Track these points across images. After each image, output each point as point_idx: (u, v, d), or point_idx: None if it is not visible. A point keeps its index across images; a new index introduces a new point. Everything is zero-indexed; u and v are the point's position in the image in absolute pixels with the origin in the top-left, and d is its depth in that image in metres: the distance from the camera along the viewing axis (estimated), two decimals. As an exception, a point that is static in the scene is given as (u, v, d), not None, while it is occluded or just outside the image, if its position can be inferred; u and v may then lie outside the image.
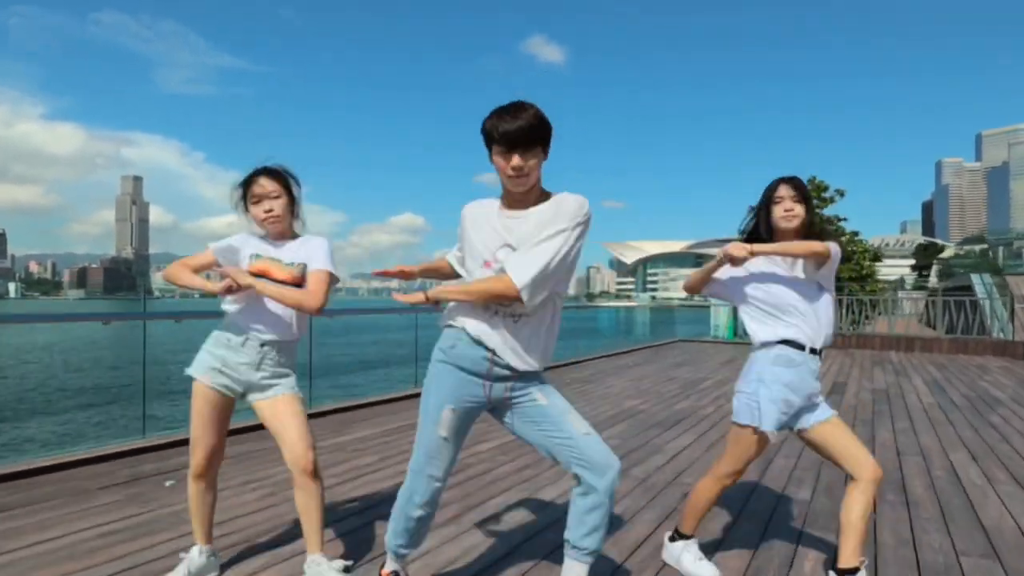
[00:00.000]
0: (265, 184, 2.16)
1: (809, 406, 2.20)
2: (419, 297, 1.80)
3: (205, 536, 2.26)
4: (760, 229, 2.30)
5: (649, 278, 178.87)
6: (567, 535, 1.86)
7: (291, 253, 2.20)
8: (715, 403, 6.08)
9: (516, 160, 1.73)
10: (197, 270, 2.23)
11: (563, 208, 1.78)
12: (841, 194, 18.93)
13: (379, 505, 3.01)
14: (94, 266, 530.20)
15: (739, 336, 15.75)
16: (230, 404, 2.23)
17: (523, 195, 1.82)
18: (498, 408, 1.91)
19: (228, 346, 2.17)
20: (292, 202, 2.23)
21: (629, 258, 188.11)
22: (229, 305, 2.19)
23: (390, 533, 2.01)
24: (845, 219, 19.63)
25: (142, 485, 3.27)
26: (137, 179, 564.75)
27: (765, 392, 2.15)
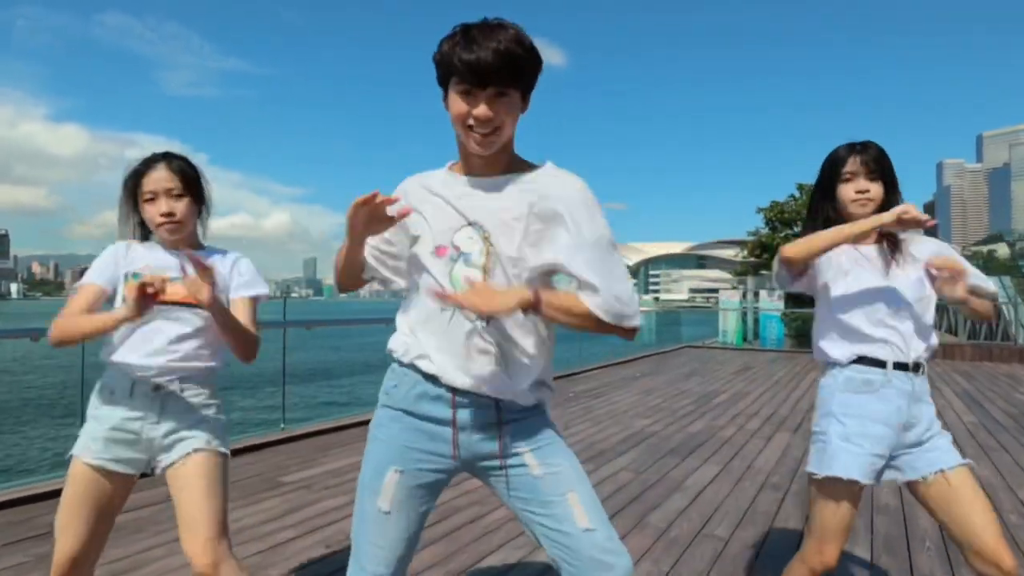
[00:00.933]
0: (163, 178, 1.59)
1: (915, 443, 1.62)
2: (525, 297, 1.17)
3: None
4: (818, 216, 1.73)
5: (651, 280, 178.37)
6: None
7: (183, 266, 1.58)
8: (734, 423, 5.50)
9: (482, 108, 1.18)
10: (91, 311, 1.59)
11: (582, 195, 1.27)
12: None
13: (341, 571, 2.44)
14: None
15: (748, 342, 15.19)
16: (124, 487, 1.62)
17: (489, 160, 1.27)
18: (476, 473, 1.34)
19: (112, 400, 1.58)
20: (198, 203, 1.66)
21: (631, 260, 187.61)
22: (107, 349, 1.59)
23: None
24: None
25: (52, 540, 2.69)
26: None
27: (836, 428, 1.60)
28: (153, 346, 1.57)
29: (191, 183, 1.63)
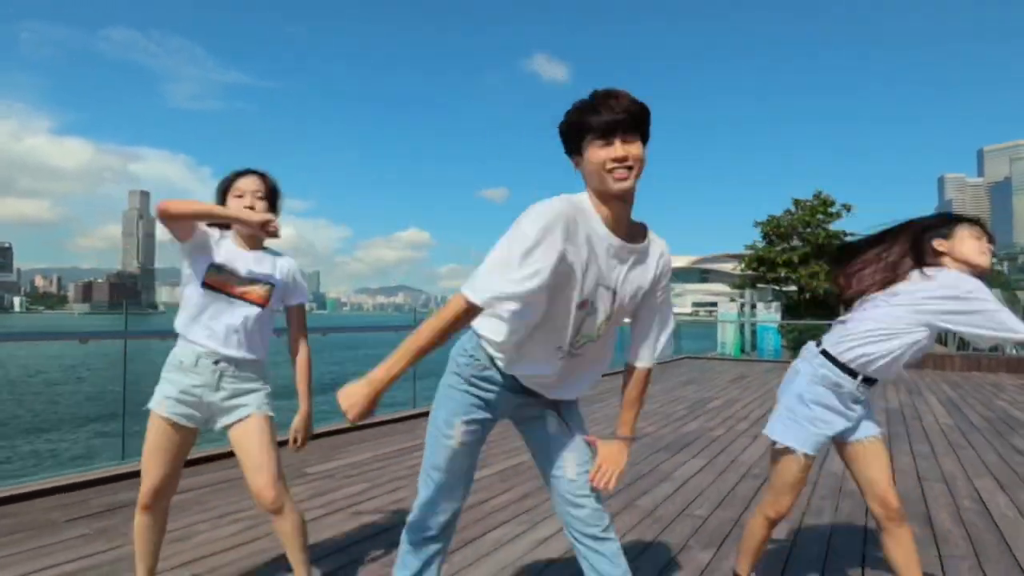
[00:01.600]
0: (252, 182, 2.02)
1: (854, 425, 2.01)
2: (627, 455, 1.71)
3: (146, 572, 2.04)
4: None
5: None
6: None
7: (255, 263, 2.03)
8: (725, 424, 5.85)
9: (621, 151, 1.38)
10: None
11: (664, 262, 1.62)
12: (848, 209, 18.76)
13: (365, 541, 2.80)
14: (99, 281, 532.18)
15: (746, 353, 15.51)
16: (190, 436, 2.03)
17: (624, 209, 1.47)
18: (515, 420, 1.76)
19: (180, 368, 1.98)
20: (272, 209, 2.08)
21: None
22: (181, 323, 2.01)
23: (397, 572, 1.71)
24: (852, 234, 19.48)
25: (114, 517, 3.05)
26: (145, 194, 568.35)
27: (804, 411, 2.00)
28: (216, 333, 1.96)
29: (271, 191, 2.07)
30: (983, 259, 1.88)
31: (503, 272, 1.36)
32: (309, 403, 2.14)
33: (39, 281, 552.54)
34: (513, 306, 1.50)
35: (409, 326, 7.47)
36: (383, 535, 2.87)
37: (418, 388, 6.97)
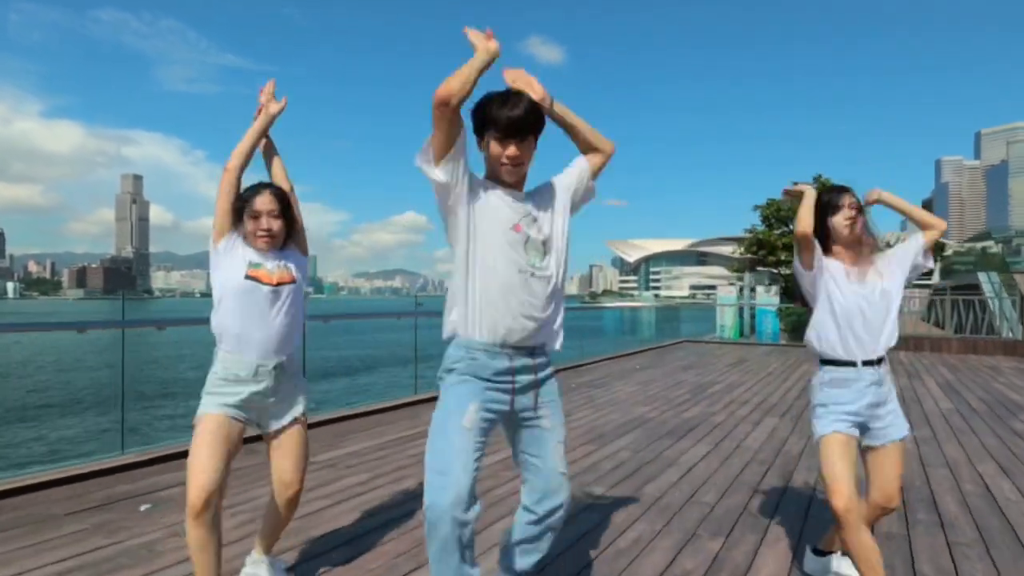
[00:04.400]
0: (266, 202, 2.07)
1: (879, 417, 2.09)
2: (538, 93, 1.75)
3: None
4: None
5: (652, 276, 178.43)
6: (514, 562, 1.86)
7: (274, 258, 2.13)
8: (727, 409, 5.86)
9: (513, 149, 1.71)
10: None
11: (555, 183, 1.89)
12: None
13: (368, 534, 2.77)
14: (94, 266, 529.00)
15: (744, 336, 15.54)
16: (241, 435, 2.05)
17: (514, 184, 1.79)
18: (511, 422, 1.80)
19: (239, 380, 2.02)
20: (288, 221, 2.14)
21: (632, 256, 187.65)
22: (226, 329, 2.04)
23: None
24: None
25: (114, 510, 3.01)
26: (137, 178, 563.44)
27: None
28: (267, 326, 2.05)
29: (284, 206, 2.13)
30: (844, 231, 2.11)
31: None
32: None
33: (32, 267, 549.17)
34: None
35: (407, 312, 7.43)
36: (390, 525, 2.86)
37: (420, 371, 6.95)
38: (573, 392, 6.77)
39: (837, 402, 2.06)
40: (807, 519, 2.96)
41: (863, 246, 2.14)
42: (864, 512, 2.06)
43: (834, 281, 2.10)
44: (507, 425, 1.82)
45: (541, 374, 1.81)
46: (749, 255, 20.33)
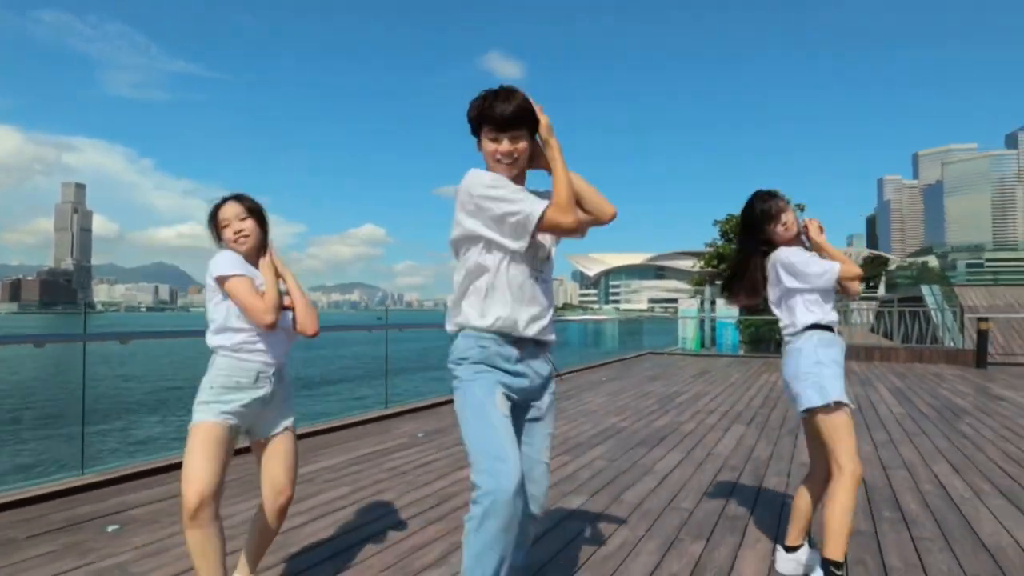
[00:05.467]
0: (231, 208, 2.12)
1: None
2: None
3: None
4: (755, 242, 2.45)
5: (612, 290, 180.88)
6: None
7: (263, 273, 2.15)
8: (695, 418, 6.01)
9: (507, 144, 1.74)
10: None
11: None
12: (801, 208, 19.52)
13: (351, 548, 2.75)
14: (29, 278, 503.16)
15: (705, 348, 15.93)
16: (233, 441, 2.05)
17: (515, 179, 1.81)
18: (517, 408, 1.85)
19: (239, 387, 2.03)
20: (261, 223, 2.18)
21: (591, 270, 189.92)
22: (221, 337, 2.05)
23: (487, 564, 1.60)
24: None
25: (80, 532, 2.88)
26: (80, 186, 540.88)
27: (828, 371, 2.23)
28: (273, 343, 2.10)
29: (252, 210, 2.16)
30: (785, 236, 2.39)
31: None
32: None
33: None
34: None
35: (374, 325, 7.36)
36: (373, 539, 2.83)
37: (390, 387, 6.90)
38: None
39: (837, 360, 2.26)
40: (781, 520, 3.07)
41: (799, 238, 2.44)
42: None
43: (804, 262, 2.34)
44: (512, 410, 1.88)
45: (545, 366, 1.91)
46: (709, 268, 20.88)
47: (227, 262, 2.05)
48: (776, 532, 2.90)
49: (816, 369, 2.22)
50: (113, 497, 3.41)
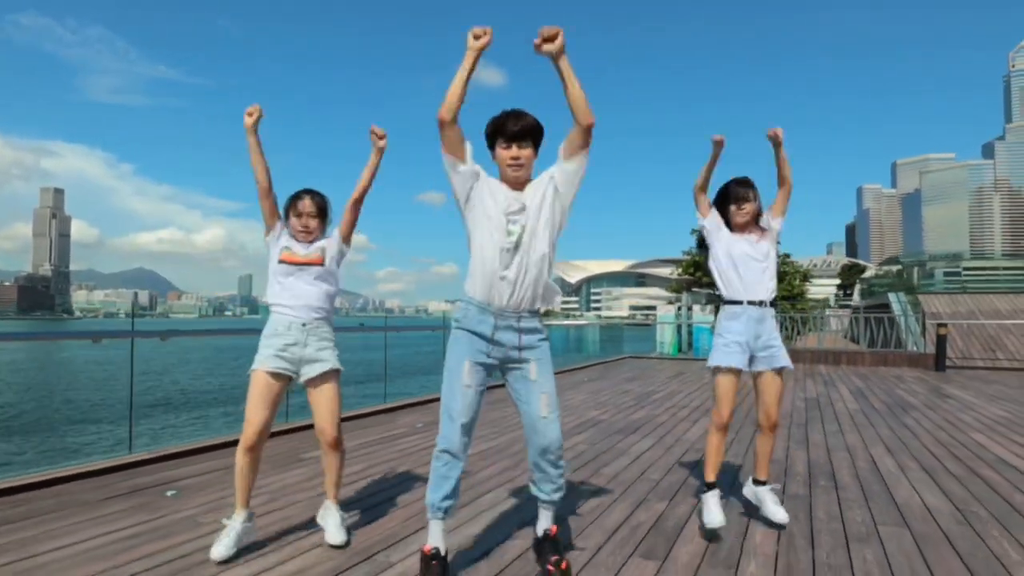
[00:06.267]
0: (307, 204, 2.70)
1: (763, 348, 2.90)
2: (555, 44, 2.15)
3: (245, 502, 2.64)
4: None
5: (593, 297, 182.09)
6: (536, 492, 2.43)
7: (315, 248, 2.77)
8: (668, 412, 6.60)
9: (515, 151, 2.25)
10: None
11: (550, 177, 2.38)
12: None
13: (378, 507, 3.28)
14: (7, 283, 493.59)
15: (683, 352, 16.59)
16: (284, 385, 2.65)
17: (519, 184, 2.31)
18: (503, 369, 2.37)
19: (276, 334, 2.64)
20: (324, 224, 2.76)
21: (573, 277, 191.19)
22: (271, 296, 2.68)
23: (431, 492, 2.29)
24: (777, 242, 21.14)
25: (144, 496, 3.41)
26: (58, 191, 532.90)
27: (718, 341, 2.91)
28: (300, 301, 2.67)
29: (321, 208, 2.75)
30: (737, 220, 3.00)
31: None
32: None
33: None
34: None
35: (376, 327, 7.86)
36: (390, 501, 3.37)
37: (388, 389, 7.41)
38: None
39: (737, 331, 2.88)
40: (734, 489, 3.65)
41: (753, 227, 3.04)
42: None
43: (727, 236, 2.97)
44: (502, 372, 2.38)
45: (525, 335, 2.32)
46: (687, 276, 21.62)
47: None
48: (727, 495, 3.48)
49: (714, 339, 2.94)
50: (164, 471, 3.92)
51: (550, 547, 2.38)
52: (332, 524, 2.71)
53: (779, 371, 2.94)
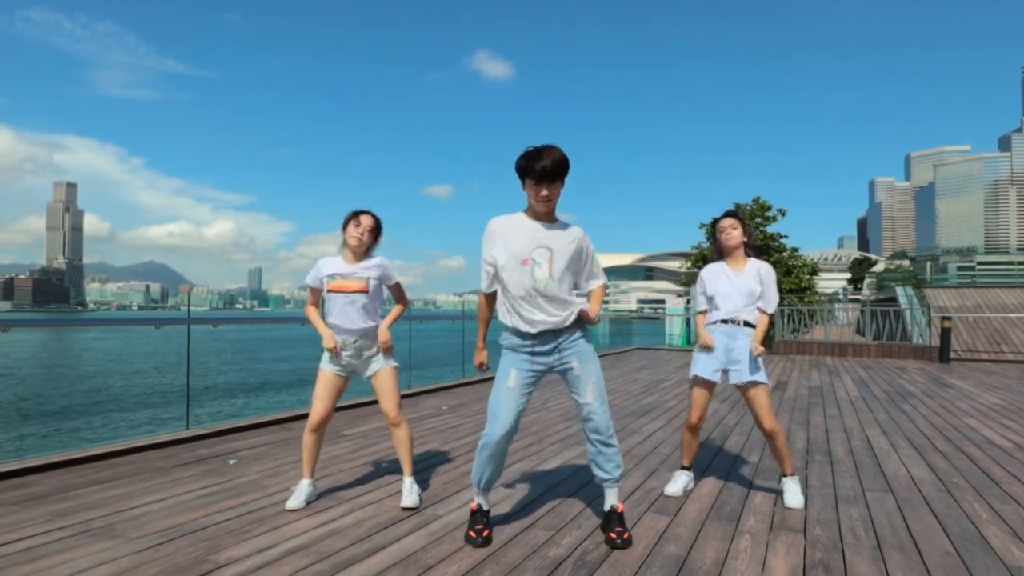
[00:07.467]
0: (368, 220, 3.13)
1: (732, 364, 3.21)
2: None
3: (311, 472, 3.12)
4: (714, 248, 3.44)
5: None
6: (598, 473, 2.71)
7: (362, 269, 3.11)
8: (676, 398, 6.97)
9: (545, 191, 2.50)
10: (316, 304, 3.16)
11: (582, 238, 2.71)
12: (783, 213, 20.55)
13: (418, 473, 3.69)
14: (22, 276, 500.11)
15: (691, 344, 16.90)
16: (345, 381, 3.13)
17: (547, 213, 2.59)
18: (552, 371, 2.68)
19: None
20: (375, 241, 3.16)
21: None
22: (328, 317, 3.12)
23: (475, 475, 2.66)
24: (786, 236, 21.36)
25: (208, 464, 3.84)
26: (71, 185, 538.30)
27: (695, 354, 3.35)
28: (351, 324, 3.08)
29: (374, 228, 3.15)
30: (726, 244, 3.34)
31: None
32: (387, 325, 3.21)
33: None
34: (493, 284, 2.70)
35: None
36: (426, 470, 3.77)
37: (413, 376, 7.81)
38: (545, 387, 7.76)
39: (712, 346, 3.29)
40: (736, 461, 4.03)
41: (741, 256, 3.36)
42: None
43: (715, 279, 3.36)
44: (558, 375, 2.71)
45: (564, 345, 2.64)
46: (696, 269, 21.89)
47: (310, 273, 3.19)
48: (730, 469, 3.86)
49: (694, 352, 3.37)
50: (222, 444, 4.35)
51: (616, 520, 2.66)
52: (407, 490, 3.12)
53: (753, 384, 3.17)
